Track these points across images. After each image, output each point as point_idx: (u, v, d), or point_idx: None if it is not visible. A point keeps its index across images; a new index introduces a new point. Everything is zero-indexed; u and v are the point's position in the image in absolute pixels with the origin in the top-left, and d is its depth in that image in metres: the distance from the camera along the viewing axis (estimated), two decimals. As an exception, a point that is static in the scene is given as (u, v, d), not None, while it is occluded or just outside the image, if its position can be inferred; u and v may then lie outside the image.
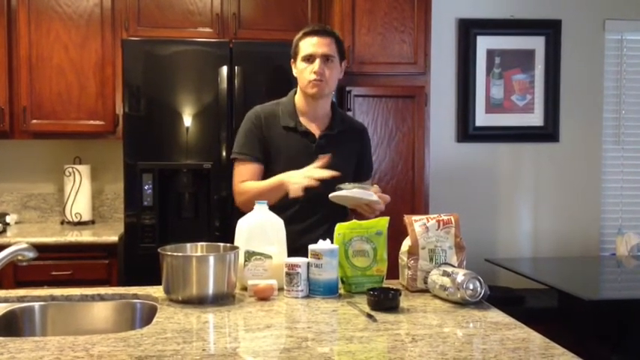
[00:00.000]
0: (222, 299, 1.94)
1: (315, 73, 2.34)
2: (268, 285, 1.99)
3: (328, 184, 2.25)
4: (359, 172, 2.51)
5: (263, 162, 2.41)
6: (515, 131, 4.23)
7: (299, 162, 2.34)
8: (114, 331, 1.82)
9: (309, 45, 2.36)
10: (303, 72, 2.37)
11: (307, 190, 2.25)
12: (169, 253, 1.95)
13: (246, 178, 2.41)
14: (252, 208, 2.25)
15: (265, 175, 2.42)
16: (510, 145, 4.25)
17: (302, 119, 2.43)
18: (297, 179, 2.24)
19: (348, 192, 2.19)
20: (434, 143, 3.81)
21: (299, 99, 2.45)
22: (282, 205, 2.26)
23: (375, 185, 2.34)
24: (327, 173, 2.21)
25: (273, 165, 2.41)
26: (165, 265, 1.94)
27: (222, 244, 2.10)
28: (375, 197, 2.22)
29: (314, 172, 2.23)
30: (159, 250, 1.97)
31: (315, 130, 2.43)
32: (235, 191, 2.45)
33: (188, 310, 1.85)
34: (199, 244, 2.12)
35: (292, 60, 2.44)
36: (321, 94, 2.39)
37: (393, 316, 1.81)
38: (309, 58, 2.36)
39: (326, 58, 2.35)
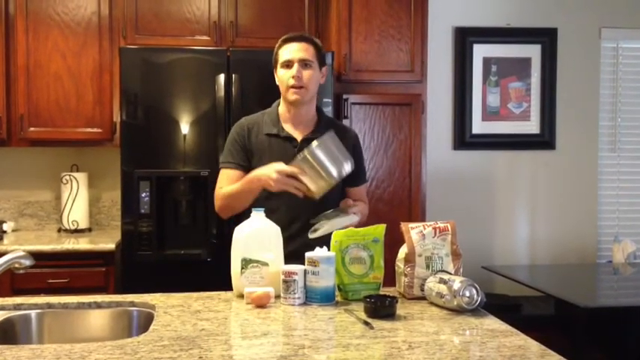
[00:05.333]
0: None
1: (293, 77, 2.37)
2: (265, 292, 2.00)
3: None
4: (351, 177, 2.51)
5: (245, 169, 2.42)
6: (511, 139, 4.24)
7: None
8: (111, 339, 1.82)
9: (287, 51, 2.40)
10: (284, 78, 2.41)
11: (285, 196, 2.29)
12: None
13: (224, 184, 2.44)
14: (229, 214, 2.42)
15: None
16: (507, 153, 4.26)
17: (285, 125, 2.45)
18: (268, 172, 2.24)
19: (327, 230, 2.21)
20: (430, 151, 3.82)
21: (282, 107, 2.48)
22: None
23: (348, 200, 2.40)
24: (291, 169, 2.21)
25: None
26: None
27: None
28: (355, 218, 2.28)
29: (280, 167, 2.22)
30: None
31: (299, 135, 2.45)
32: (215, 197, 2.48)
33: (185, 318, 1.85)
34: None
35: (274, 68, 2.48)
36: (301, 101, 2.41)
37: (390, 323, 1.82)
38: (288, 64, 2.39)
39: (304, 63, 2.38)
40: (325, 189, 2.23)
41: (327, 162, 2.19)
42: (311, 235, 2.24)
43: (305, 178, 2.19)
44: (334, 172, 2.20)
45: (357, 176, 2.54)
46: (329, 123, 2.54)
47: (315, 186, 2.20)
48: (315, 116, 2.50)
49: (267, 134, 2.45)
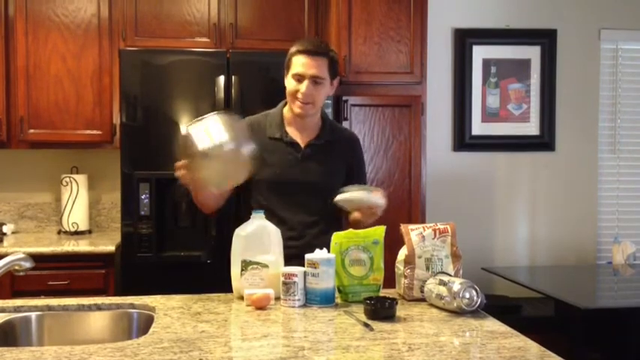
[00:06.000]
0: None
1: (302, 94, 2.32)
2: (265, 294, 2.00)
3: (311, 192, 2.32)
4: (351, 181, 2.49)
5: None
6: (511, 140, 4.25)
7: (284, 172, 2.36)
8: (111, 341, 1.82)
9: (300, 65, 2.32)
10: (291, 90, 2.35)
11: (288, 197, 2.31)
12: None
13: None
14: (204, 207, 2.34)
15: (253, 186, 2.41)
16: (506, 154, 4.27)
17: (289, 129, 2.42)
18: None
19: (354, 196, 2.21)
20: (430, 152, 3.82)
21: (287, 110, 2.44)
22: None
23: (379, 189, 2.35)
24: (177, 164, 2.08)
25: (258, 175, 2.38)
26: None
27: None
28: (379, 199, 2.24)
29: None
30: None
31: (303, 140, 2.42)
32: None
33: (185, 320, 1.85)
34: None
35: (285, 72, 2.41)
36: (305, 115, 2.37)
37: (390, 325, 1.82)
38: (299, 78, 2.32)
39: (314, 81, 2.32)
40: (222, 172, 2.04)
41: (207, 137, 1.98)
42: (337, 198, 2.23)
43: (193, 166, 2.03)
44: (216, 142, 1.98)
45: (357, 180, 2.54)
46: (333, 127, 2.51)
47: (208, 172, 2.03)
48: (319, 121, 2.46)
49: (270, 138, 2.41)
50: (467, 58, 4.19)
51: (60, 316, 2.02)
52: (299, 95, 2.33)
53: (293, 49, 2.37)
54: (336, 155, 2.46)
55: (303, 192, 2.35)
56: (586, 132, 4.32)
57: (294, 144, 2.41)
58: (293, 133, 2.42)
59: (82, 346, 1.62)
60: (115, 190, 3.60)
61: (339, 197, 2.23)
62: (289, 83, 2.37)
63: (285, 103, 2.45)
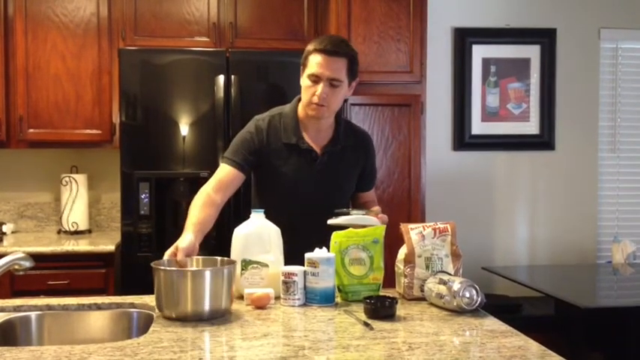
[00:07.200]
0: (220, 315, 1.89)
1: (317, 96, 2.22)
2: (265, 293, 2.00)
3: (325, 201, 2.28)
4: (362, 182, 2.48)
5: (247, 172, 2.33)
6: (511, 139, 4.24)
7: (300, 179, 2.32)
8: (110, 341, 1.82)
9: (317, 65, 2.21)
10: (307, 90, 2.25)
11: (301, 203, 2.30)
12: (162, 268, 1.88)
13: (218, 178, 2.28)
14: None
15: (265, 190, 2.40)
16: (506, 154, 4.27)
17: (304, 134, 2.33)
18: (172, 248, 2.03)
19: (346, 221, 2.16)
20: (430, 151, 3.82)
21: (302, 110, 2.34)
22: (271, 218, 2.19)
23: (377, 207, 2.31)
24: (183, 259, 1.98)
25: (272, 180, 2.36)
26: (157, 280, 1.87)
27: (219, 258, 2.04)
28: (376, 222, 2.18)
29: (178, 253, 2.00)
30: (152, 264, 1.90)
31: (318, 144, 2.34)
32: (201, 190, 2.26)
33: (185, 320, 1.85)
34: (195, 257, 2.03)
35: (301, 69, 2.30)
36: (320, 118, 2.30)
37: (390, 324, 1.82)
38: (315, 80, 2.22)
39: (331, 83, 2.22)
40: None
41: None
42: (330, 221, 2.16)
43: None
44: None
45: (368, 181, 2.52)
46: (347, 130, 2.43)
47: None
48: (333, 123, 2.39)
49: (286, 144, 2.32)
50: (466, 58, 4.19)
51: (60, 315, 2.02)
52: (314, 98, 2.23)
53: (310, 46, 2.26)
54: (350, 161, 2.41)
55: (317, 201, 2.31)
56: (586, 131, 4.32)
57: (310, 151, 2.33)
58: (308, 137, 2.34)
59: (82, 346, 1.62)
60: (115, 189, 3.60)
61: (331, 221, 2.17)
62: (304, 83, 2.27)
63: (300, 100, 2.35)
